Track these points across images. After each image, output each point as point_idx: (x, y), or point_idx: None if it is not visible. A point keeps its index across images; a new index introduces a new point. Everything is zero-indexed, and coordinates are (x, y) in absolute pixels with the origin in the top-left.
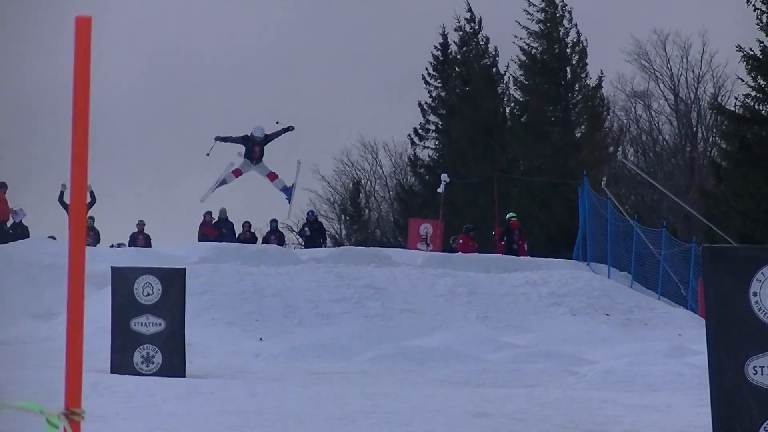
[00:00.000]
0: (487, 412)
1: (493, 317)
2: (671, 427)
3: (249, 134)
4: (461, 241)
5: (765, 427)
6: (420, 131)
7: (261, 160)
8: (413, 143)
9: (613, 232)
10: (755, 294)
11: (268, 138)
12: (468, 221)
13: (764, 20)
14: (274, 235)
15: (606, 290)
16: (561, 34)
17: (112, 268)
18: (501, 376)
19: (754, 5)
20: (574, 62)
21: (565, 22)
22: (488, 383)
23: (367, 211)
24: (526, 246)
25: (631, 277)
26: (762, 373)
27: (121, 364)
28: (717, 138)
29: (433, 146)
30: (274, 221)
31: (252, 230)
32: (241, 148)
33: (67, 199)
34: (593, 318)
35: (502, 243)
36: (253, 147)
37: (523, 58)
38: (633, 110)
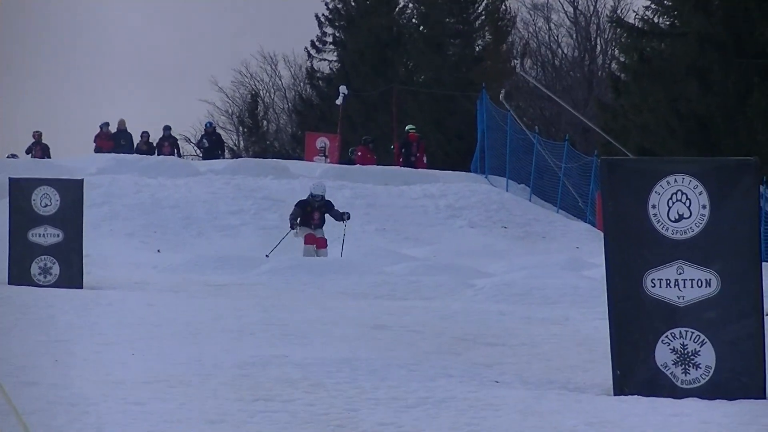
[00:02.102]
0: (385, 324)
1: (392, 229)
2: (569, 339)
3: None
4: (360, 153)
5: (663, 340)
6: (317, 43)
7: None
8: (310, 55)
9: (512, 145)
10: (654, 207)
11: (329, 210)
12: (366, 134)
13: None
14: (168, 142)
15: (504, 203)
16: None
17: (10, 179)
18: (399, 288)
19: None
20: None
21: None
22: (386, 296)
23: (265, 123)
24: (425, 159)
25: (529, 190)
26: (660, 286)
27: (19, 275)
28: (616, 51)
29: (332, 59)
30: (167, 128)
31: (150, 141)
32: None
33: None
34: (491, 231)
35: (401, 156)
36: (312, 213)
37: None
38: (533, 23)
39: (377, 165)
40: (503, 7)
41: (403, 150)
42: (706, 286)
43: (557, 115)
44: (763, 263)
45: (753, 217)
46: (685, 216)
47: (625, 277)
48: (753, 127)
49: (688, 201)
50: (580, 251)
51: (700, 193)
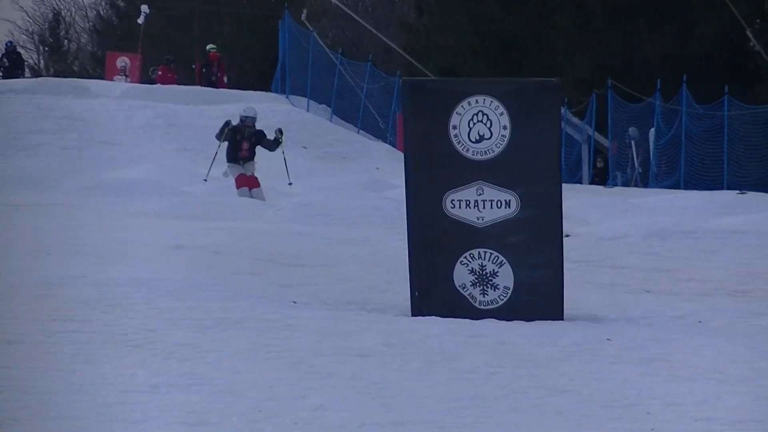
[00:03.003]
0: (185, 244)
1: (192, 149)
2: (368, 260)
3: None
4: (161, 72)
5: (462, 261)
6: None
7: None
8: None
9: (315, 65)
10: (455, 127)
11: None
12: (169, 54)
13: None
14: None
15: (305, 124)
16: None
17: None
18: (199, 208)
19: None
20: None
21: None
22: (186, 216)
23: (66, 42)
24: (225, 78)
25: (330, 110)
26: (460, 207)
27: None
28: None
29: None
30: None
31: None
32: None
33: None
34: (292, 151)
35: (202, 75)
36: (241, 143)
37: None
38: None
39: (178, 84)
40: None
41: (204, 70)
42: (505, 207)
43: (359, 35)
44: (565, 185)
45: (554, 139)
46: (485, 137)
47: (424, 198)
48: (555, 48)
49: (489, 122)
50: (380, 172)
51: (501, 114)
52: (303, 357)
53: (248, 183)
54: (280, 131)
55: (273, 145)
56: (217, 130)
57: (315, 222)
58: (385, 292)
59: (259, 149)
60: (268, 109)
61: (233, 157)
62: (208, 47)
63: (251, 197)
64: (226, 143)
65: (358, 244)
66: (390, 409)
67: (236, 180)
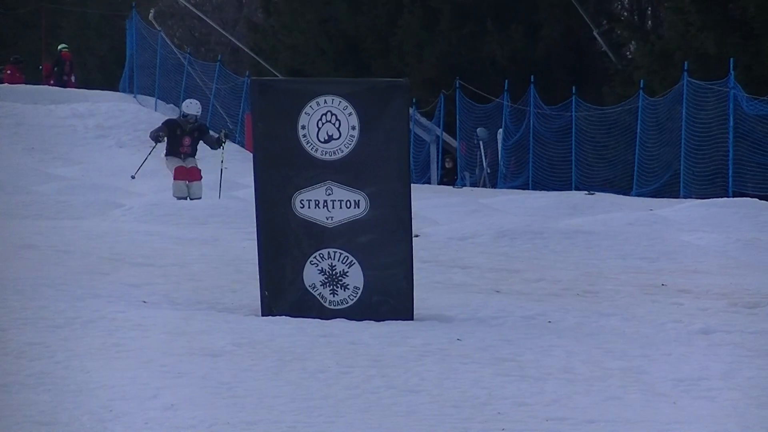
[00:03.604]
0: (34, 243)
1: (40, 149)
2: (218, 260)
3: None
4: (9, 72)
5: (311, 261)
6: None
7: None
8: None
9: (163, 65)
10: (303, 127)
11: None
12: (15, 53)
13: None
14: None
15: (153, 123)
16: None
17: None
18: (47, 208)
19: None
20: None
21: None
22: (34, 215)
23: None
24: (74, 78)
25: (179, 110)
26: (309, 207)
27: None
28: None
29: None
30: None
31: None
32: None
33: None
34: (139, 150)
35: (53, 75)
36: (182, 138)
37: None
38: None
39: (26, 84)
40: None
41: (55, 69)
42: (354, 207)
43: (207, 35)
44: (414, 185)
45: (403, 139)
46: (334, 137)
47: (274, 198)
48: (403, 49)
49: (337, 122)
50: (228, 172)
51: (350, 114)
52: (153, 356)
53: (186, 175)
54: (225, 135)
55: (215, 143)
56: (153, 131)
57: (164, 221)
58: (235, 292)
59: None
60: (116, 109)
61: (173, 151)
62: (60, 47)
63: (188, 195)
64: (163, 143)
65: (208, 244)
66: (241, 409)
67: (174, 172)
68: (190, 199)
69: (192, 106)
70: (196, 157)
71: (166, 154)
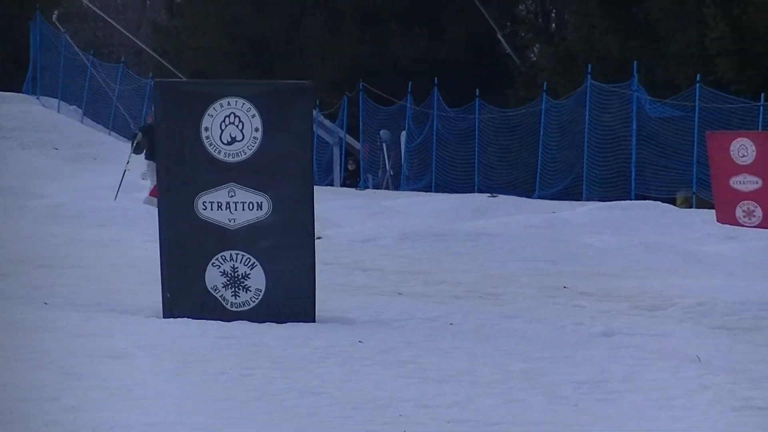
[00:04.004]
0: None
1: None
2: (119, 261)
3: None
4: None
5: (213, 263)
6: None
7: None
8: None
9: (66, 67)
10: (207, 129)
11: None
12: None
13: None
14: None
15: (56, 124)
16: None
17: None
18: None
19: None
20: None
21: None
22: None
23: None
24: None
25: (81, 111)
26: (211, 209)
27: None
28: None
29: None
30: None
31: None
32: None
33: None
34: (43, 152)
35: None
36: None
37: None
38: None
39: None
40: None
41: None
42: (257, 209)
43: (111, 36)
44: (317, 187)
45: (306, 141)
46: (237, 139)
47: (176, 200)
48: (307, 51)
49: (240, 124)
50: (131, 174)
51: (253, 116)
52: (55, 358)
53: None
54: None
55: None
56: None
57: (66, 223)
58: (136, 294)
59: None
60: (18, 110)
61: (152, 155)
62: None
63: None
64: (136, 155)
65: (110, 246)
66: (142, 411)
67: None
68: None
69: None
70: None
71: (147, 158)
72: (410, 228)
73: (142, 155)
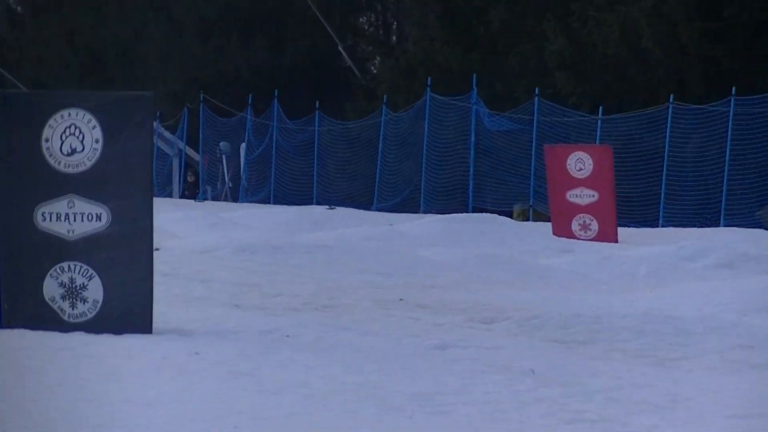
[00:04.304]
0: None
1: None
2: None
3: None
4: None
5: (51, 274)
6: None
7: None
8: None
9: None
10: (47, 140)
11: None
12: None
13: None
14: None
15: None
16: None
17: None
18: None
19: None
20: None
21: None
22: None
23: None
24: None
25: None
26: (50, 220)
27: None
28: None
29: None
30: None
31: None
32: None
33: None
34: None
35: None
36: None
37: None
38: None
39: None
40: None
41: None
42: (96, 221)
43: None
44: (156, 199)
45: (146, 152)
46: (77, 150)
47: (15, 211)
48: (147, 62)
49: (81, 135)
50: None
51: (94, 128)
52: None
53: None
54: None
55: None
56: None
57: None
58: None
59: None
60: None
61: None
62: None
63: None
64: None
65: None
66: None
67: None
68: None
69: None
70: None
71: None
72: (249, 240)
73: None
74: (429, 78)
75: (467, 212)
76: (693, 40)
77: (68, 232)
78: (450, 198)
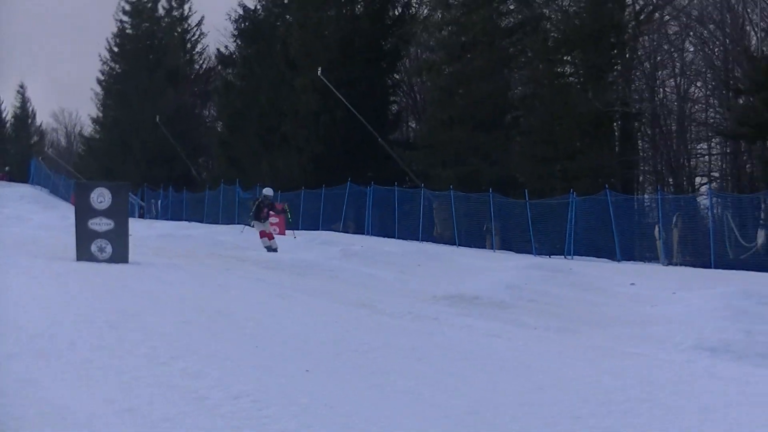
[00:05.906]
0: None
1: None
2: None
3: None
4: None
5: (94, 242)
6: None
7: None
8: None
9: None
10: (92, 197)
11: (272, 207)
12: None
13: None
14: None
15: None
16: None
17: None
18: None
19: None
20: None
21: None
22: None
23: None
24: None
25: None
26: (93, 224)
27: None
28: None
29: None
30: None
31: None
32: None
33: None
34: None
35: None
36: (262, 210)
37: None
38: None
39: None
40: None
41: None
42: (108, 225)
43: None
44: (131, 218)
45: (126, 202)
46: (103, 201)
47: (81, 221)
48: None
49: (105, 195)
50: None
51: (108, 193)
52: None
53: (267, 235)
54: (286, 206)
55: (280, 211)
56: (252, 212)
57: None
58: None
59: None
60: None
61: (257, 217)
62: None
63: (270, 244)
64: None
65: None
66: None
67: (260, 233)
68: (272, 248)
69: (269, 191)
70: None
71: (254, 219)
72: (161, 231)
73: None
74: None
75: None
76: None
77: (99, 228)
78: None
